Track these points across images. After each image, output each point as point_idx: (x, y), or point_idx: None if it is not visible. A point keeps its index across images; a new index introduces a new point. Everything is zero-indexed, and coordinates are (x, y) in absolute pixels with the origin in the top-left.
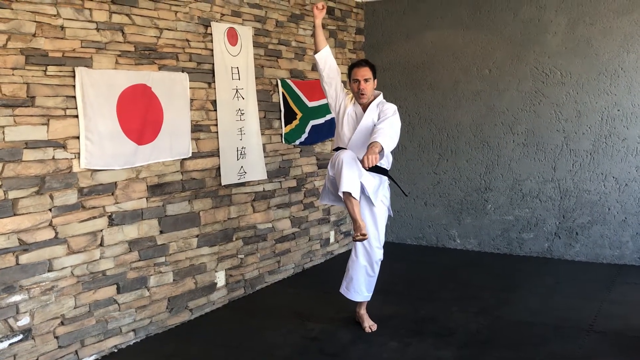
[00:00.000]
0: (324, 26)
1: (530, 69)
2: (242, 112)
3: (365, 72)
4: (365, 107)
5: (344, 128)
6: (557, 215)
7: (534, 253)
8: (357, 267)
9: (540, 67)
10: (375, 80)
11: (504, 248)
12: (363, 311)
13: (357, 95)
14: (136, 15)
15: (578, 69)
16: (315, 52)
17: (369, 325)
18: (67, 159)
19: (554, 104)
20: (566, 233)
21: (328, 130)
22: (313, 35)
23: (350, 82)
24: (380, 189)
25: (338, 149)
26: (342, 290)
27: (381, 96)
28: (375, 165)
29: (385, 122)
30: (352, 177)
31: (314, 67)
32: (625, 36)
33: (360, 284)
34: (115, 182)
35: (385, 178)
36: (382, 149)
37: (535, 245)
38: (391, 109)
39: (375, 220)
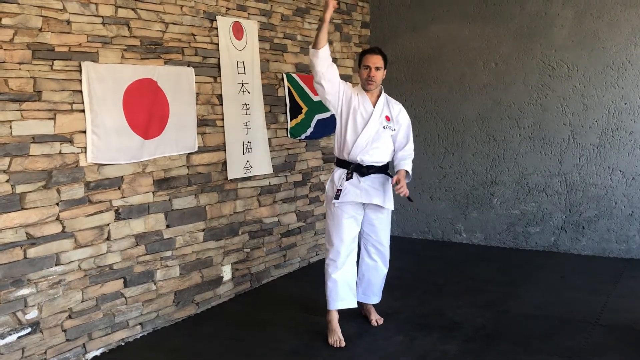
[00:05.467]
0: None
1: (537, 62)
2: (248, 106)
3: (377, 60)
4: (373, 104)
5: (352, 125)
6: (564, 209)
7: (540, 247)
8: (377, 270)
9: (547, 60)
10: (385, 71)
11: (510, 242)
12: (370, 304)
13: (366, 81)
14: (142, 9)
15: (585, 62)
16: (316, 47)
17: (376, 319)
18: (74, 153)
19: (560, 98)
20: (573, 227)
21: (334, 124)
22: (319, 29)
23: (360, 68)
24: (388, 190)
25: (338, 161)
26: (359, 298)
27: (383, 90)
28: (378, 168)
29: (410, 145)
30: (347, 290)
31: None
32: (633, 29)
33: (379, 285)
34: (122, 177)
35: (387, 177)
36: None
37: (542, 239)
38: (407, 118)
39: (386, 222)
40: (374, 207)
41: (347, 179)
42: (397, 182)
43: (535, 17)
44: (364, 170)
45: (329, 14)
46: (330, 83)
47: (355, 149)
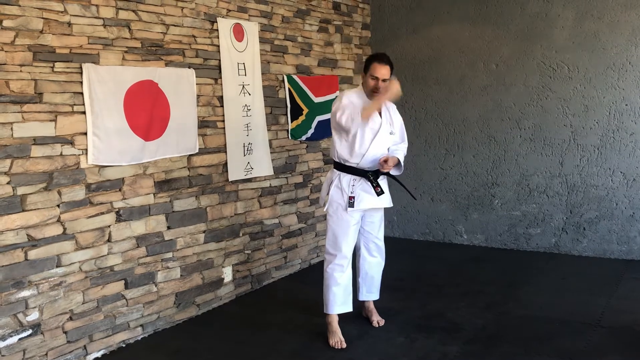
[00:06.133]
0: (330, 21)
1: (538, 63)
2: (249, 108)
3: (385, 72)
4: (379, 112)
5: (361, 136)
6: (565, 210)
7: (541, 248)
8: (379, 266)
9: (548, 61)
10: None
11: (511, 243)
12: (372, 306)
13: (371, 92)
14: (142, 11)
15: (585, 64)
16: (363, 118)
17: (377, 320)
18: (75, 155)
19: (561, 99)
20: (573, 228)
21: None
22: (372, 105)
23: (367, 75)
24: (387, 190)
25: (341, 166)
26: (363, 297)
27: None
28: (380, 172)
29: (405, 144)
30: (347, 295)
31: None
32: (634, 30)
33: (379, 280)
34: (123, 178)
35: (385, 177)
36: (399, 162)
37: (543, 241)
38: (399, 116)
39: (382, 218)
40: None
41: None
42: (386, 161)
43: (535, 18)
44: (375, 176)
45: (384, 99)
46: (350, 124)
47: (367, 158)
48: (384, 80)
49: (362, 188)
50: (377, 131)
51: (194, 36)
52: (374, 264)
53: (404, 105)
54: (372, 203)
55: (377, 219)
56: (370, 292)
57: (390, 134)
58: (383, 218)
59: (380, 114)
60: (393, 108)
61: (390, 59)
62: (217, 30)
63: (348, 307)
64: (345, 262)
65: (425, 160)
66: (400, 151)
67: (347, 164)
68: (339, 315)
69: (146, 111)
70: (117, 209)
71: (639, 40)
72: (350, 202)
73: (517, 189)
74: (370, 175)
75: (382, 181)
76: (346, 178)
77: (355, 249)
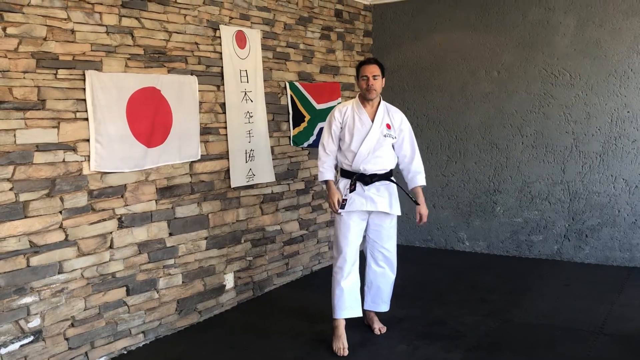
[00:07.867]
0: (332, 28)
1: (539, 70)
2: (251, 114)
3: (373, 69)
4: (371, 116)
5: (352, 138)
6: (567, 217)
7: (543, 255)
8: (385, 277)
9: (549, 68)
10: (384, 80)
11: (513, 250)
12: (373, 313)
13: (366, 91)
14: (145, 18)
15: (587, 71)
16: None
17: (379, 327)
18: (77, 161)
19: (563, 106)
20: (576, 235)
21: None
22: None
23: (359, 79)
24: (393, 196)
25: (342, 170)
26: (367, 306)
27: (381, 100)
28: (381, 175)
29: (417, 157)
30: (353, 299)
31: (323, 69)
32: (635, 37)
33: (388, 293)
34: (125, 185)
35: (392, 184)
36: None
37: (545, 248)
38: (408, 125)
39: (391, 228)
40: (379, 213)
41: (351, 190)
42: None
43: (537, 25)
44: (367, 179)
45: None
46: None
47: (358, 159)
48: (374, 77)
49: (355, 191)
50: (366, 133)
51: (196, 43)
52: (379, 274)
53: (406, 112)
54: (362, 205)
55: (383, 228)
56: (375, 303)
57: (386, 136)
58: (393, 229)
59: (374, 115)
60: (399, 116)
61: (377, 60)
62: (220, 37)
63: (356, 312)
64: (345, 265)
65: (427, 167)
66: (422, 175)
67: (344, 167)
68: (345, 321)
69: (149, 118)
70: (119, 216)
71: None
72: (342, 205)
73: (519, 196)
74: (355, 177)
75: (384, 186)
76: (343, 182)
77: (363, 255)
